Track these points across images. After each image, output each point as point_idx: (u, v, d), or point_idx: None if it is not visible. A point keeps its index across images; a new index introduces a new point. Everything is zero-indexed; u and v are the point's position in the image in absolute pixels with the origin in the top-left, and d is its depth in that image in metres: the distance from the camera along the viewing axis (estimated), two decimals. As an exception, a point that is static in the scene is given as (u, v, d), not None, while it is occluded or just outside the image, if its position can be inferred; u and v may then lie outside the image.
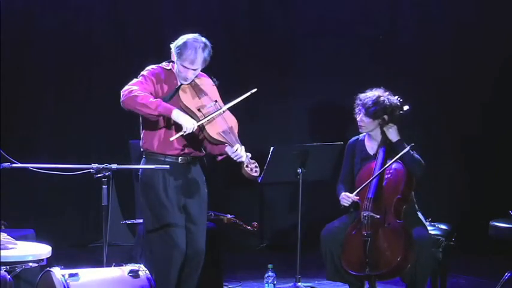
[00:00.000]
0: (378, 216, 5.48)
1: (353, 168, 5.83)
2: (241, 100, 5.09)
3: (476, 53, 7.96)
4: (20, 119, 7.86)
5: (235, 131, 5.07)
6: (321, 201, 7.90)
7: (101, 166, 4.63)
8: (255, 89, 5.09)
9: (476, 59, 7.96)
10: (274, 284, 6.00)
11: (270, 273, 5.99)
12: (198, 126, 4.95)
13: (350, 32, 8.16)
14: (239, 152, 4.95)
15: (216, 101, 5.09)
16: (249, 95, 5.11)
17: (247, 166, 4.97)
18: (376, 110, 5.69)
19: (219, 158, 5.19)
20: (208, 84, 5.16)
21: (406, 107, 5.77)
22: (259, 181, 6.07)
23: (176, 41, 5.08)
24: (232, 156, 4.99)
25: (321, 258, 5.68)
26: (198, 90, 5.09)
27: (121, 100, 4.97)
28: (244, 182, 7.92)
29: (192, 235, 5.12)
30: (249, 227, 6.14)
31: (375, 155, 5.72)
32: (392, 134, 5.68)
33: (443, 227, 5.85)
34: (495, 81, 7.96)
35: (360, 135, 5.89)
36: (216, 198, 6.46)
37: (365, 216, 5.49)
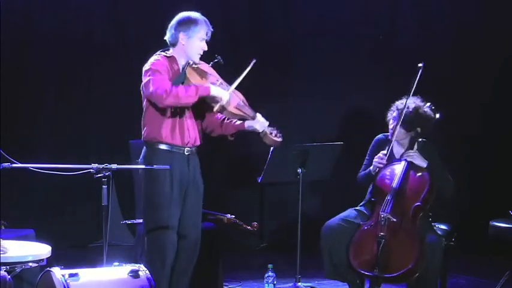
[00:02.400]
0: (395, 220, 5.47)
1: None
2: (245, 76, 5.12)
3: (476, 53, 7.96)
4: (20, 119, 7.86)
5: (246, 103, 5.17)
6: (321, 201, 7.91)
7: (101, 166, 4.63)
8: (254, 60, 5.13)
9: (476, 59, 7.95)
10: (274, 284, 6.00)
11: (270, 273, 5.99)
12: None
13: (350, 32, 8.17)
14: (263, 120, 5.14)
15: (217, 80, 5.14)
16: (251, 68, 5.13)
17: (271, 133, 5.14)
18: (413, 123, 5.66)
19: (231, 137, 5.29)
20: (206, 65, 5.20)
21: (437, 115, 5.75)
22: (259, 181, 6.08)
23: (175, 24, 5.12)
24: (257, 128, 5.14)
25: (321, 258, 5.68)
26: (202, 73, 5.13)
27: (160, 101, 4.92)
28: (244, 182, 8.01)
29: (188, 226, 5.15)
30: (249, 227, 6.13)
31: (400, 158, 5.71)
32: (419, 161, 5.63)
33: (443, 227, 5.85)
34: (495, 81, 7.96)
35: (388, 133, 5.86)
36: (216, 198, 6.46)
37: (382, 217, 5.48)
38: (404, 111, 5.64)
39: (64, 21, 7.96)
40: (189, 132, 5.12)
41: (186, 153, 5.13)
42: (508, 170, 7.84)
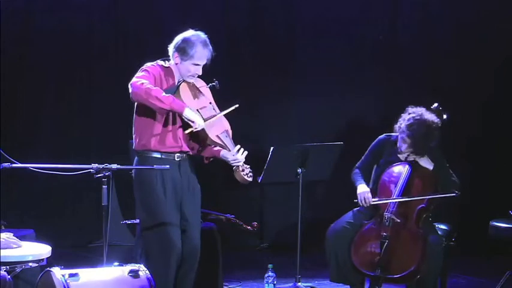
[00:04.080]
0: (399, 220, 5.47)
1: (374, 164, 5.80)
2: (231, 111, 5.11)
3: (476, 53, 7.96)
4: (20, 119, 7.87)
5: (230, 135, 5.13)
6: (321, 201, 7.91)
7: (101, 166, 4.63)
8: (237, 105, 5.10)
9: (476, 59, 7.96)
10: (274, 284, 6.00)
11: (270, 273, 5.99)
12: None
13: (350, 32, 8.17)
14: (238, 156, 5.04)
15: (210, 103, 5.14)
16: (233, 110, 5.11)
17: (243, 171, 5.06)
18: (426, 145, 5.61)
19: (207, 161, 5.26)
20: (203, 85, 5.20)
21: (444, 116, 5.72)
22: (259, 181, 6.08)
23: (175, 42, 5.08)
24: (229, 160, 5.08)
25: (320, 258, 5.68)
26: (196, 91, 5.12)
27: (132, 91, 4.88)
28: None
29: (188, 233, 5.12)
30: (249, 227, 6.14)
31: (404, 160, 5.69)
32: (425, 162, 5.63)
33: (443, 227, 5.85)
34: (495, 82, 7.97)
35: (393, 133, 5.82)
36: (216, 198, 6.47)
37: (387, 217, 5.48)
38: (414, 136, 5.57)
39: (64, 21, 7.96)
40: (181, 140, 5.09)
41: (177, 159, 5.10)
42: (508, 170, 7.85)
